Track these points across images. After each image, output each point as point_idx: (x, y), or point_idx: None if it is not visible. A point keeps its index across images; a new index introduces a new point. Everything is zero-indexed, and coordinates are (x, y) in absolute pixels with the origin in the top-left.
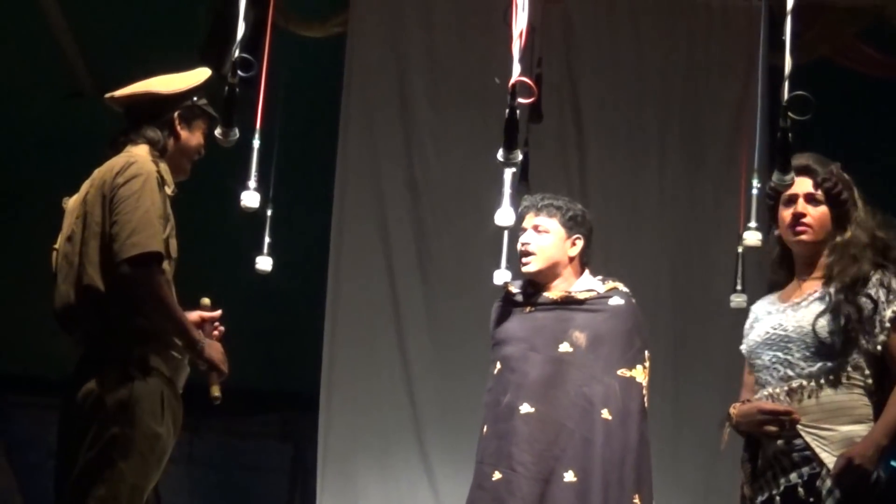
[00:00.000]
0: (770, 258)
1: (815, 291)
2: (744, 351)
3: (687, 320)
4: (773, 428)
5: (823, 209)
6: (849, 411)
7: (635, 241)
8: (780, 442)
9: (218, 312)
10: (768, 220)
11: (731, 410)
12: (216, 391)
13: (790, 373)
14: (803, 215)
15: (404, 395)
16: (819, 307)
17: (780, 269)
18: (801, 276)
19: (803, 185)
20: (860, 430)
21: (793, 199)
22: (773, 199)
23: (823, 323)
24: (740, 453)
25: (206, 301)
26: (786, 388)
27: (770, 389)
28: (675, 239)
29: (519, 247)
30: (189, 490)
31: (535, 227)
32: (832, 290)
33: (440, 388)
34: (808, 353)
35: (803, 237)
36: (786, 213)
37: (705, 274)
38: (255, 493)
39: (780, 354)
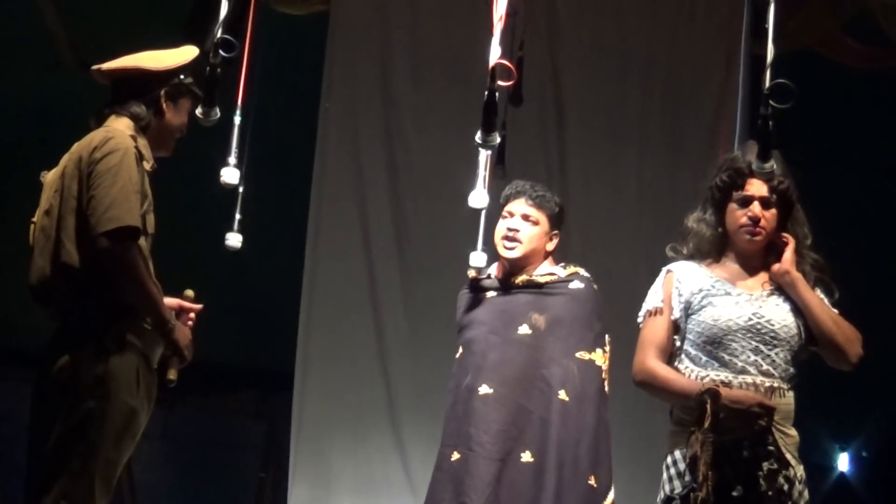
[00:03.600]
0: (693, 235)
1: (770, 287)
2: (709, 324)
3: None
4: (763, 423)
5: (774, 211)
6: (793, 415)
7: (614, 227)
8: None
9: (198, 307)
10: (703, 202)
11: (715, 388)
12: (173, 374)
13: (773, 371)
14: (759, 219)
15: (379, 374)
16: (796, 310)
17: (713, 249)
18: (748, 265)
19: (759, 187)
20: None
21: (748, 201)
22: (722, 193)
23: (805, 332)
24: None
25: (189, 293)
26: (767, 383)
27: (751, 378)
28: (654, 225)
29: (504, 231)
30: (163, 466)
31: (526, 216)
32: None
33: (415, 367)
34: (789, 356)
35: (756, 239)
36: (739, 213)
37: None
38: (228, 469)
39: (762, 347)
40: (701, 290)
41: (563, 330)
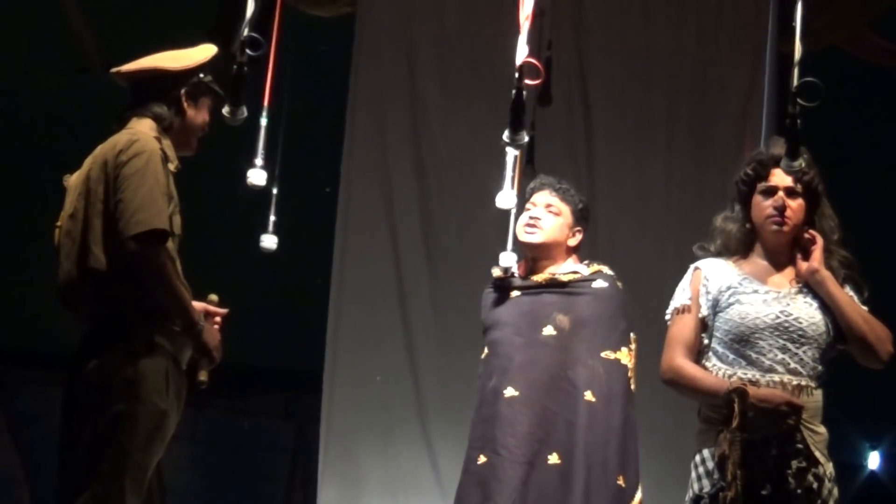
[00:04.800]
0: (720, 232)
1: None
2: (736, 322)
3: None
4: (791, 421)
5: (800, 202)
6: (822, 412)
7: (642, 229)
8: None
9: (224, 311)
10: (731, 201)
11: (742, 387)
12: (204, 376)
13: (800, 369)
14: (784, 209)
15: (407, 375)
16: (817, 305)
17: (740, 245)
18: (776, 261)
19: (783, 178)
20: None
21: (772, 191)
22: (747, 186)
23: (834, 330)
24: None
25: (213, 297)
26: (794, 381)
27: (778, 377)
28: (682, 227)
29: (526, 218)
30: (192, 468)
31: (548, 206)
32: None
33: (443, 369)
34: (817, 354)
35: (784, 229)
36: (765, 204)
37: None
38: (257, 471)
39: (790, 346)
40: (729, 288)
41: (588, 330)
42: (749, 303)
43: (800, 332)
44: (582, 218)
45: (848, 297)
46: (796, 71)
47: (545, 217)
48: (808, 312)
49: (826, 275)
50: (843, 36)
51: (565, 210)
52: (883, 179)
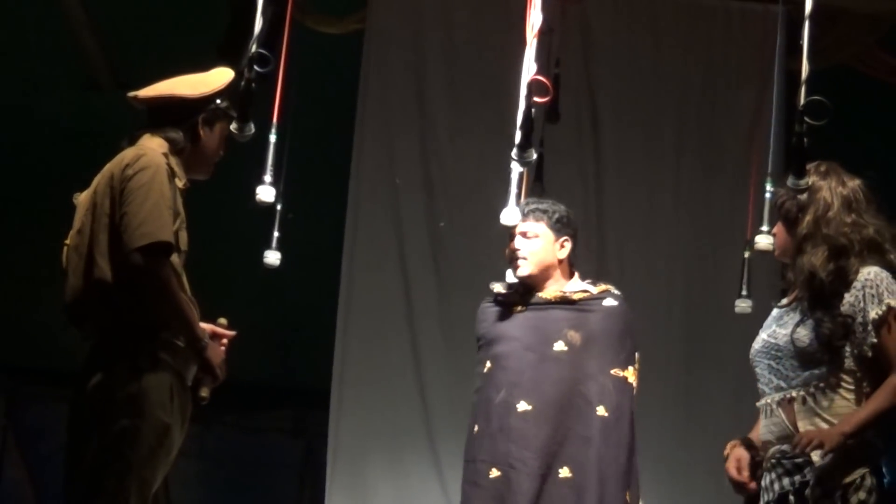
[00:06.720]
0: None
1: (794, 301)
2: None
3: (700, 325)
4: (746, 486)
5: (779, 225)
6: (843, 416)
7: (650, 245)
8: (779, 448)
9: (231, 333)
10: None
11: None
12: (205, 392)
13: (783, 384)
14: (775, 235)
15: (416, 392)
16: (796, 318)
17: None
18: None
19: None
20: None
21: None
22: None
23: (801, 335)
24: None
25: (223, 321)
26: (777, 398)
27: (766, 399)
28: (690, 243)
29: (508, 252)
30: (199, 484)
31: (524, 233)
32: (805, 302)
33: (451, 385)
34: (796, 363)
35: (776, 252)
36: None
37: (719, 278)
38: (265, 488)
39: (773, 364)
40: (764, 327)
41: (598, 347)
42: (760, 334)
43: (776, 349)
44: (563, 226)
45: (872, 410)
46: (803, 90)
47: (524, 245)
48: (785, 330)
49: (828, 435)
50: (850, 54)
51: (541, 228)
52: (890, 195)
